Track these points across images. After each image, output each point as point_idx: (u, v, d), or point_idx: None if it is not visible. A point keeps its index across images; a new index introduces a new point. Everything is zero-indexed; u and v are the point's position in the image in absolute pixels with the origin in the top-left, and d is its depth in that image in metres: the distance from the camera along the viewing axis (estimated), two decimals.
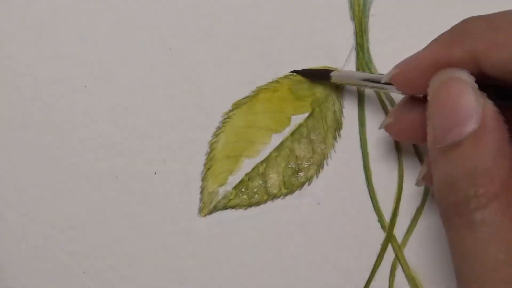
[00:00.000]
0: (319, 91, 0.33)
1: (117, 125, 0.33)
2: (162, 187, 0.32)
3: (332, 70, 0.32)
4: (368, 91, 0.33)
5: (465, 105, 0.24)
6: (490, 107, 0.24)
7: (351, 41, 0.33)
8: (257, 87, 0.33)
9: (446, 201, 0.24)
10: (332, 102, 0.33)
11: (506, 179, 0.23)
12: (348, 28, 0.33)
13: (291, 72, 0.33)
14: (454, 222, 0.24)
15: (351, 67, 0.33)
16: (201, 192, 0.32)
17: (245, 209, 0.32)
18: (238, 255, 0.32)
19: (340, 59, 0.33)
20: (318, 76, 0.32)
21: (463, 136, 0.23)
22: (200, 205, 0.32)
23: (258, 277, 0.32)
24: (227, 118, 0.33)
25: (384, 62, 0.33)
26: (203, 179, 0.32)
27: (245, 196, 0.32)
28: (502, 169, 0.23)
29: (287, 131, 0.33)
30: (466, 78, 0.24)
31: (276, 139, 0.33)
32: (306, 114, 0.33)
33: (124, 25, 0.33)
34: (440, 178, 0.24)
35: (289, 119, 0.33)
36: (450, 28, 0.26)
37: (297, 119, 0.33)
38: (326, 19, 0.33)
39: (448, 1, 0.33)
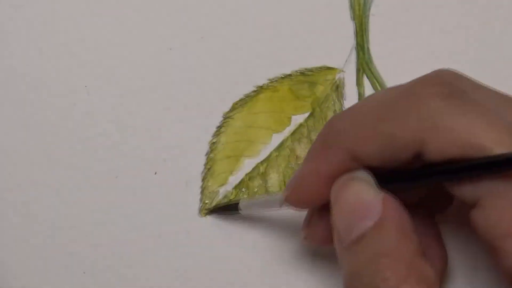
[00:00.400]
0: (320, 90, 0.33)
1: (117, 125, 0.33)
2: (163, 187, 0.32)
3: (237, 203, 0.31)
4: (369, 91, 0.33)
5: (363, 201, 0.24)
6: (389, 198, 0.24)
7: (351, 41, 0.33)
8: (257, 87, 0.33)
9: None
10: (333, 102, 0.33)
11: (412, 260, 0.23)
12: (348, 28, 0.33)
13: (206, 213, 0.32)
14: None
15: (351, 67, 0.33)
16: (202, 192, 0.32)
17: None
18: (238, 255, 0.32)
19: (340, 59, 0.33)
20: (226, 209, 0.32)
21: (364, 230, 0.23)
22: (201, 205, 0.32)
23: (259, 277, 0.32)
24: (227, 118, 0.33)
25: (384, 62, 0.33)
26: (203, 179, 0.32)
27: (245, 196, 0.32)
28: (406, 251, 0.23)
29: (287, 131, 0.33)
30: (361, 176, 0.25)
31: (276, 139, 0.33)
32: (307, 114, 0.33)
33: (124, 25, 0.33)
34: (346, 273, 0.24)
35: (289, 119, 0.33)
36: (320, 132, 0.26)
37: (298, 119, 0.33)
38: (326, 18, 0.33)
39: (448, 1, 0.34)
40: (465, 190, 0.23)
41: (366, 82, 0.33)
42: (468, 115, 0.22)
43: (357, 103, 0.26)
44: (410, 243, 0.23)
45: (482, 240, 0.22)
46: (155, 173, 0.32)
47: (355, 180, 0.25)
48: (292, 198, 0.27)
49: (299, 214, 0.32)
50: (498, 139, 0.22)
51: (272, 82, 0.33)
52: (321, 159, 0.25)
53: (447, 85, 0.24)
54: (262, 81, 0.33)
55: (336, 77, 0.33)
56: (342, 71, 0.33)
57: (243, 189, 0.32)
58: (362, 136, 0.24)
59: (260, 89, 0.33)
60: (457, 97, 0.23)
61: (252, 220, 0.32)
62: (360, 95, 0.33)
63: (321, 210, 0.27)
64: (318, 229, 0.28)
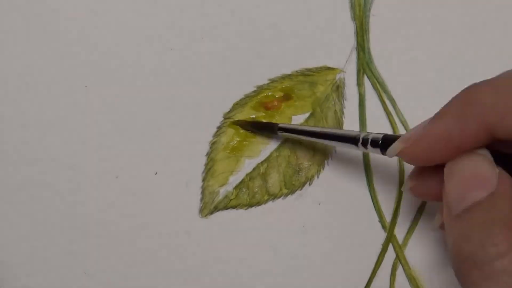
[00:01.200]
0: (320, 91, 0.33)
1: (118, 125, 0.33)
2: (163, 187, 0.32)
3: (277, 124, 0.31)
4: (369, 91, 0.33)
5: (479, 173, 0.24)
6: (505, 174, 0.24)
7: (351, 41, 0.33)
8: (257, 87, 0.33)
9: (462, 255, 0.23)
10: (333, 102, 0.33)
11: None
12: (349, 28, 0.33)
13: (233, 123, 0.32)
14: (472, 275, 0.23)
15: (351, 67, 0.33)
16: (202, 192, 0.32)
17: (246, 209, 0.32)
18: (239, 255, 0.32)
19: (341, 59, 0.33)
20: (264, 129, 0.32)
21: (478, 199, 0.24)
22: (201, 205, 0.32)
23: (259, 277, 0.32)
24: (227, 118, 0.33)
25: (385, 62, 0.33)
26: (203, 179, 0.32)
27: (245, 196, 0.32)
28: None
29: None
30: (482, 152, 0.25)
31: (277, 139, 0.33)
32: (307, 114, 0.33)
33: (125, 26, 0.33)
34: (455, 238, 0.24)
35: (290, 119, 0.33)
36: (456, 98, 0.26)
37: (298, 119, 0.33)
38: (327, 19, 0.33)
39: (449, 1, 0.34)
40: None
41: (366, 82, 0.33)
42: None
43: (498, 76, 0.25)
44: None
45: None
46: (156, 173, 0.32)
47: (473, 155, 0.25)
48: (409, 152, 0.26)
49: (301, 215, 0.32)
50: None
51: (272, 82, 0.33)
52: (454, 123, 0.25)
53: None
54: (263, 81, 0.33)
55: (337, 77, 0.33)
56: (343, 71, 0.33)
57: (244, 189, 0.32)
58: (504, 110, 0.24)
59: (260, 89, 0.33)
60: None
61: (253, 219, 0.32)
62: (361, 95, 0.33)
63: (433, 168, 0.27)
64: (426, 185, 0.28)
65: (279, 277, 0.32)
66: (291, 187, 0.32)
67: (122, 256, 0.32)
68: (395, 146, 0.27)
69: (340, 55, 0.33)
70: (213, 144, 0.33)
